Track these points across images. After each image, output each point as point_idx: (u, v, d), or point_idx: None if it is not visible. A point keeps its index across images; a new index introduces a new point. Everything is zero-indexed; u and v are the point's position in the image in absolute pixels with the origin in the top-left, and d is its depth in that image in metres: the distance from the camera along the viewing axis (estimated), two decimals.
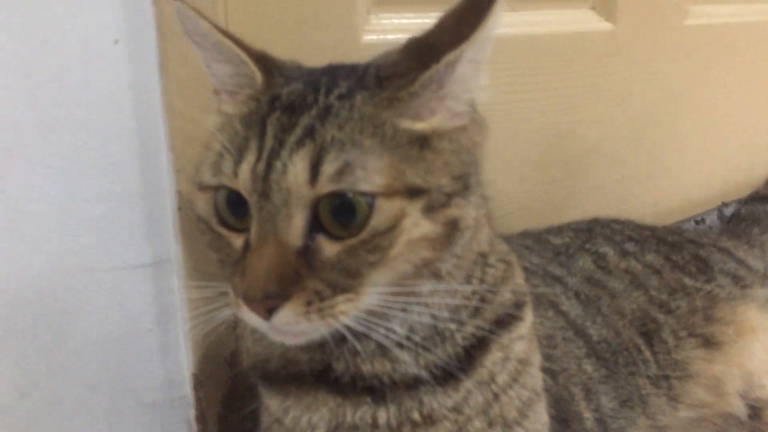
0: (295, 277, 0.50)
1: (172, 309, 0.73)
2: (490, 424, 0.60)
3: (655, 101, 1.44)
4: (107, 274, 0.68)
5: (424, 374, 0.57)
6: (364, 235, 0.51)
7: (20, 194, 0.61)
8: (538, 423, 0.64)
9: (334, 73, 0.57)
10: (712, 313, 0.92)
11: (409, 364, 0.57)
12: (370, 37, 0.95)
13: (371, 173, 0.50)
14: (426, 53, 0.54)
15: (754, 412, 0.90)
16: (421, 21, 0.99)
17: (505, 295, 0.63)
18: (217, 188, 0.54)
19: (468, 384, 0.59)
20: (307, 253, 0.51)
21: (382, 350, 0.56)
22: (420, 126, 0.54)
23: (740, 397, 0.89)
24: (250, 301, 0.50)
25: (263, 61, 0.58)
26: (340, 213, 0.50)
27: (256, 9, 0.80)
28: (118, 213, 0.67)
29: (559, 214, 1.26)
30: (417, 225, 0.51)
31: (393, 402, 0.57)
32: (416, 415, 0.57)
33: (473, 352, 0.59)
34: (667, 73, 1.43)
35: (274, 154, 0.51)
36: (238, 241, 0.53)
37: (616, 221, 1.10)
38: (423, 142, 0.53)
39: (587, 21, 1.26)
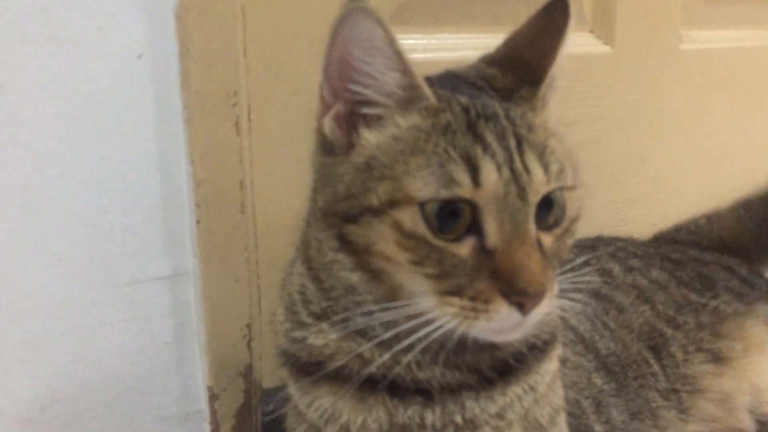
0: (545, 269, 0.53)
1: (188, 322, 0.74)
2: (526, 430, 0.61)
3: (654, 123, 1.47)
4: (128, 287, 0.69)
5: (470, 380, 0.59)
6: (566, 223, 0.58)
7: (48, 206, 0.62)
8: (563, 431, 0.66)
9: (463, 84, 0.61)
10: (719, 329, 0.93)
11: (463, 369, 0.59)
12: None
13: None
14: (521, 67, 0.61)
15: (763, 427, 0.91)
16: (426, 41, 1.04)
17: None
18: (427, 202, 0.52)
19: (518, 388, 0.60)
20: (539, 246, 0.54)
21: (449, 356, 0.57)
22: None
23: (749, 412, 0.90)
24: (531, 297, 0.52)
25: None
26: (545, 207, 0.55)
27: (273, 29, 0.82)
28: (139, 226, 0.68)
29: None
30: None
31: (439, 404, 0.58)
32: (458, 419, 0.58)
33: (531, 356, 0.62)
34: (664, 96, 1.46)
35: (511, 161, 0.53)
36: (462, 249, 0.53)
37: (619, 239, 1.12)
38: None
39: (587, 44, 1.29)
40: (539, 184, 0.54)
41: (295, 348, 0.62)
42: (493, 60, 0.64)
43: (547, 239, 0.56)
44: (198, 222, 0.72)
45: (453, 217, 0.53)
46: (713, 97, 1.60)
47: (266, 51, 0.80)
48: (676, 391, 0.87)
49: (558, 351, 0.66)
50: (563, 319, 0.85)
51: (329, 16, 0.53)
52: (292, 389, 0.63)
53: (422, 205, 0.53)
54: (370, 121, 0.56)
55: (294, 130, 0.67)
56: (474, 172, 0.52)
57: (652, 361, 0.88)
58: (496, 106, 0.57)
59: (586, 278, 0.66)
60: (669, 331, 0.91)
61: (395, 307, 0.55)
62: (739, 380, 0.90)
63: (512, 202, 0.53)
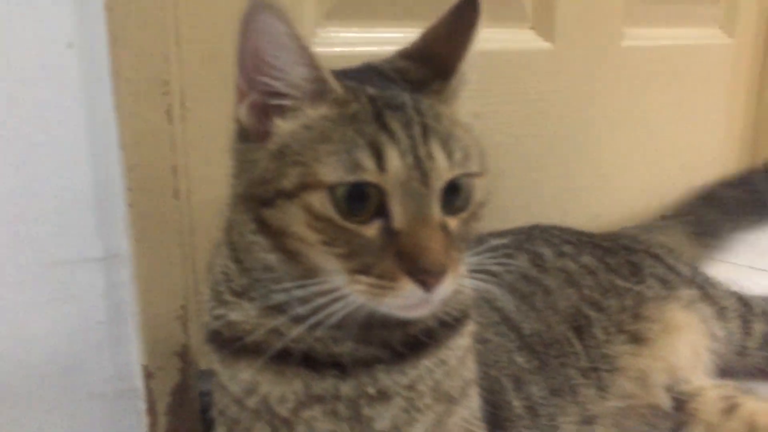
0: (448, 250, 0.57)
1: (123, 302, 0.77)
2: (437, 400, 0.65)
3: (597, 118, 1.52)
4: (60, 267, 0.72)
5: (383, 354, 0.63)
6: (472, 208, 0.62)
7: None
8: (474, 403, 0.71)
9: (378, 76, 0.64)
10: (639, 312, 0.98)
11: (376, 345, 0.63)
12: (318, 50, 1.00)
13: (474, 158, 0.61)
14: (433, 61, 0.65)
15: (679, 404, 0.96)
16: (368, 35, 1.07)
17: (468, 290, 0.69)
18: (336, 186, 0.56)
19: (428, 362, 0.64)
20: (443, 228, 0.58)
21: (362, 332, 0.61)
22: (463, 118, 0.64)
23: (665, 390, 0.95)
24: (433, 275, 0.56)
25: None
26: (452, 192, 0.59)
27: (208, 22, 0.85)
28: (70, 208, 0.71)
29: (503, 223, 1.32)
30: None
31: (353, 377, 0.62)
32: (370, 390, 0.62)
33: (442, 332, 0.66)
34: (606, 92, 1.52)
35: (415, 148, 0.57)
36: (370, 230, 0.57)
37: (555, 227, 1.16)
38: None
39: (527, 41, 1.33)
40: (442, 170, 0.58)
41: (218, 325, 0.65)
42: (409, 54, 0.68)
43: (452, 222, 0.60)
44: (130, 205, 0.75)
45: (361, 200, 0.57)
46: (655, 93, 1.66)
47: (201, 40, 0.83)
48: (596, 369, 0.92)
49: (470, 327, 0.70)
50: (488, 300, 0.89)
51: None
52: (217, 365, 0.67)
53: (332, 189, 0.56)
54: (283, 111, 0.60)
55: (230, 117, 0.70)
56: (379, 157, 0.56)
57: (574, 341, 0.92)
58: (405, 97, 0.61)
59: (499, 261, 0.70)
60: (593, 314, 0.96)
61: (309, 285, 0.58)
62: (656, 360, 0.95)
63: (415, 186, 0.57)
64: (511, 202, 1.37)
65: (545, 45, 1.35)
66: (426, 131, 0.59)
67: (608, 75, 1.51)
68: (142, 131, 0.74)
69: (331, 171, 0.56)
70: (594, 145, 1.52)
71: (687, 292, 1.04)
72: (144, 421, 0.81)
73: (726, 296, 1.08)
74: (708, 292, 1.07)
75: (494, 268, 0.93)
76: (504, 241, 1.05)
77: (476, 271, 0.66)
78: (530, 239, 1.07)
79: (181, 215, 0.79)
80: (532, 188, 1.41)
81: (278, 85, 0.59)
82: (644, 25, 1.59)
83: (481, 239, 1.05)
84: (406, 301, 0.57)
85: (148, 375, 0.80)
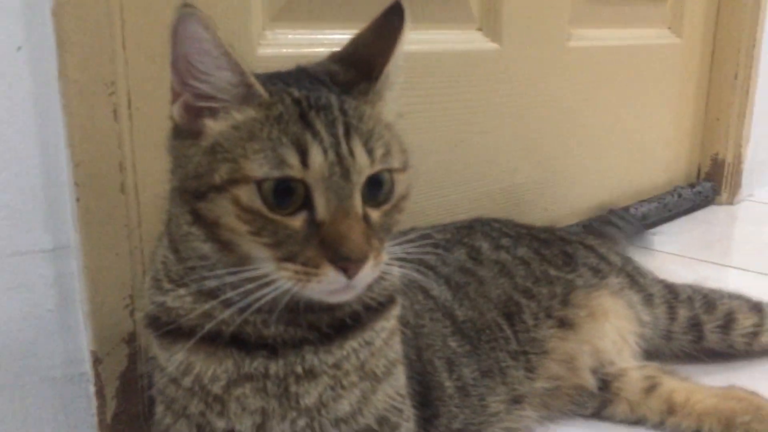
0: (369, 239, 0.62)
1: (72, 292, 0.81)
2: (363, 378, 0.70)
3: (545, 116, 1.58)
4: (10, 258, 0.76)
5: (311, 336, 0.68)
6: (394, 201, 0.67)
7: None
8: (398, 381, 0.76)
9: (308, 79, 0.69)
10: (568, 299, 1.05)
11: (304, 328, 0.68)
12: (265, 51, 1.05)
13: (395, 154, 0.66)
14: (361, 64, 0.69)
15: (604, 384, 1.02)
16: (312, 36, 1.12)
17: (394, 277, 0.74)
18: (263, 181, 0.60)
19: (354, 343, 0.69)
20: (364, 219, 0.63)
21: (290, 315, 0.66)
22: (387, 117, 0.69)
23: (591, 372, 1.02)
24: (353, 262, 0.61)
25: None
26: (374, 186, 0.65)
27: (152, 22, 0.88)
28: (19, 202, 0.75)
29: (452, 216, 1.38)
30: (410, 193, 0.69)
31: (282, 357, 0.67)
32: (298, 369, 0.67)
33: (367, 315, 0.71)
34: (553, 91, 1.58)
35: (337, 145, 0.62)
36: (295, 222, 0.61)
37: (496, 220, 1.22)
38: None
39: (475, 41, 1.39)
40: (362, 166, 0.63)
41: (157, 311, 0.70)
42: (339, 57, 0.73)
43: (375, 214, 0.65)
44: (78, 200, 0.79)
45: (288, 194, 0.62)
46: (603, 92, 1.73)
47: (146, 43, 0.87)
48: (525, 353, 0.98)
49: (395, 311, 0.75)
50: (424, 290, 0.95)
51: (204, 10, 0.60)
52: (155, 348, 0.71)
53: (259, 184, 0.61)
54: (212, 112, 0.64)
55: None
56: (303, 155, 0.61)
57: (505, 327, 0.98)
58: (331, 98, 0.65)
59: (424, 250, 0.76)
60: (524, 301, 1.02)
61: (240, 272, 0.63)
62: (583, 343, 1.01)
63: (337, 181, 0.62)
64: (459, 196, 1.43)
65: (492, 46, 1.41)
66: (349, 130, 0.63)
67: (555, 74, 1.57)
68: (88, 129, 0.78)
69: (258, 167, 0.61)
70: (541, 143, 1.58)
71: (616, 280, 1.11)
72: (93, 403, 0.85)
73: (653, 284, 1.15)
74: (636, 280, 1.13)
75: (431, 260, 0.99)
76: (446, 236, 1.11)
77: (409, 261, 0.71)
78: (471, 233, 1.12)
79: (128, 209, 0.84)
80: (480, 184, 1.47)
81: (206, 88, 0.63)
82: (591, 25, 1.65)
83: (424, 233, 1.12)
84: (330, 287, 0.62)
85: (97, 360, 0.84)
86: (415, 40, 1.29)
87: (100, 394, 0.85)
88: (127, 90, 0.82)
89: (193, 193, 0.64)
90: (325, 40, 1.11)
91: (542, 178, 1.62)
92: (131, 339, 0.86)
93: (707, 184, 2.17)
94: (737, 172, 2.18)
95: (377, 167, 0.64)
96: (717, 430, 0.96)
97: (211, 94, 0.63)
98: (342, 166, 0.62)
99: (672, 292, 1.15)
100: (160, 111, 0.91)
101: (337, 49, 1.08)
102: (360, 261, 0.62)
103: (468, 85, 1.38)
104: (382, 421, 0.72)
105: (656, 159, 2.02)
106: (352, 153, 0.62)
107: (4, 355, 0.78)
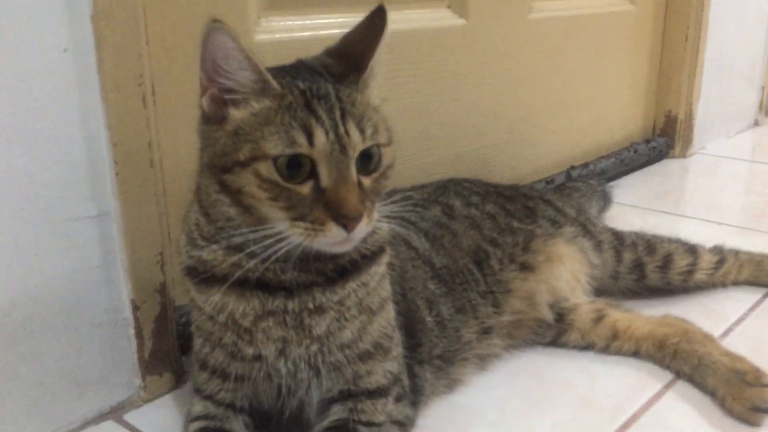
0: (363, 201, 0.77)
1: (113, 251, 0.96)
2: (361, 312, 0.87)
3: (510, 83, 1.73)
4: (64, 224, 0.91)
5: (319, 279, 0.84)
6: (382, 169, 0.81)
7: None
8: (389, 314, 0.92)
9: (308, 71, 0.83)
10: (529, 246, 1.21)
11: (314, 273, 0.84)
12: (261, 37, 1.19)
13: (382, 131, 0.80)
14: (350, 58, 0.83)
15: (560, 317, 1.20)
16: (303, 23, 1.26)
17: (384, 229, 0.90)
18: (278, 157, 0.75)
19: (354, 284, 0.86)
20: (360, 185, 0.78)
21: (302, 264, 0.82)
22: (373, 102, 0.83)
23: (549, 307, 1.19)
24: (347, 218, 0.76)
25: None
26: (366, 159, 0.79)
27: (169, 23, 1.02)
28: (69, 177, 0.90)
29: (428, 177, 1.54)
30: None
31: (297, 296, 0.83)
32: (310, 305, 0.83)
33: (363, 262, 0.87)
34: (518, 60, 1.73)
35: (336, 127, 0.76)
36: (304, 189, 0.76)
37: (468, 180, 1.38)
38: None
39: (444, 18, 1.53)
40: (356, 143, 0.78)
41: (193, 262, 0.86)
42: (332, 52, 0.87)
43: (366, 181, 0.80)
44: (116, 174, 0.94)
45: (298, 167, 0.77)
46: (561, 57, 1.87)
47: (164, 40, 1.01)
48: (492, 292, 1.15)
49: (385, 259, 0.91)
50: (407, 242, 1.12)
51: (207, 15, 0.75)
52: (193, 292, 0.87)
53: (275, 160, 0.76)
54: (235, 103, 0.78)
55: (189, 100, 0.89)
56: (309, 136, 0.76)
57: (475, 271, 1.15)
58: (329, 88, 0.80)
59: (406, 209, 0.92)
60: (491, 249, 1.18)
61: (260, 230, 0.79)
62: (541, 283, 1.18)
63: (337, 156, 0.77)
64: (434, 159, 1.59)
65: (460, 21, 1.55)
66: (344, 114, 0.78)
67: (519, 45, 1.71)
68: (123, 115, 0.92)
69: (274, 146, 0.76)
70: (507, 108, 1.74)
71: (570, 229, 1.27)
72: (133, 343, 1.01)
73: (603, 231, 1.32)
74: (588, 228, 1.30)
75: (412, 217, 1.16)
76: (424, 196, 1.27)
77: (395, 218, 0.87)
78: (445, 192, 1.28)
79: (156, 181, 0.98)
80: (452, 146, 1.63)
81: (230, 84, 0.77)
82: None
83: (405, 194, 1.28)
84: (333, 239, 0.78)
85: (135, 307, 1.00)
86: (392, 19, 1.42)
87: (138, 335, 1.01)
88: (151, 80, 0.96)
89: (220, 168, 0.79)
90: (314, 25, 1.25)
91: (508, 140, 1.78)
92: (163, 289, 1.02)
93: (661, 140, 2.33)
94: (689, 127, 2.35)
95: (368, 143, 0.79)
96: (652, 350, 1.14)
97: (235, 89, 0.78)
98: (340, 144, 0.77)
99: (618, 238, 1.32)
100: (173, 96, 1.06)
101: (324, 32, 1.23)
102: (356, 219, 0.77)
103: (439, 58, 1.53)
104: (376, 345, 0.89)
105: (614, 118, 2.18)
106: (347, 133, 0.78)
107: (60, 305, 0.93)
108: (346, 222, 0.77)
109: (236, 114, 0.79)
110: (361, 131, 0.79)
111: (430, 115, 1.55)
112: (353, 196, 0.77)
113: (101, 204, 0.94)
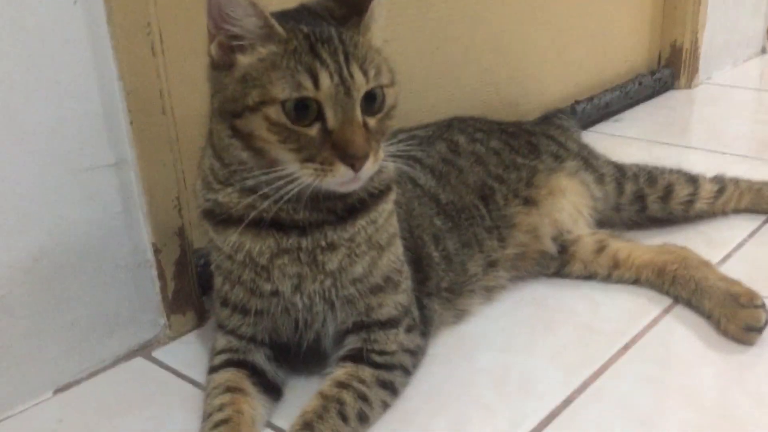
0: (368, 141, 0.80)
1: (132, 197, 1.01)
2: (371, 248, 0.91)
3: (512, 19, 1.73)
4: (86, 172, 0.95)
5: (331, 218, 0.88)
6: (386, 110, 0.84)
7: (20, 117, 0.87)
8: (398, 250, 0.97)
9: (310, 15, 0.85)
10: (532, 181, 1.24)
11: (324, 212, 0.88)
12: None
13: (384, 73, 0.83)
14: (350, 2, 0.85)
15: (563, 248, 1.24)
16: None
17: (390, 167, 0.94)
18: (286, 101, 0.78)
19: (363, 221, 0.90)
20: (366, 126, 0.81)
21: (313, 203, 0.86)
22: (375, 44, 0.85)
23: (551, 239, 1.23)
24: (354, 158, 0.79)
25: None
26: (370, 100, 0.82)
27: None
28: (87, 127, 0.94)
29: (433, 116, 1.56)
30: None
31: (310, 234, 0.87)
32: (323, 243, 0.88)
33: (371, 201, 0.91)
34: None
35: (340, 70, 0.79)
36: (312, 131, 0.79)
37: (472, 118, 1.40)
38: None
39: None
40: (360, 84, 0.80)
41: (210, 205, 0.90)
42: None
43: (371, 121, 0.83)
44: (131, 123, 0.97)
45: (305, 110, 0.80)
46: None
47: None
48: (497, 227, 1.18)
49: (392, 197, 0.94)
50: (413, 180, 1.15)
51: None
52: (212, 234, 0.92)
53: (283, 104, 0.79)
54: (242, 49, 0.81)
55: (197, 47, 0.91)
56: (314, 79, 0.79)
57: (480, 207, 1.18)
58: (332, 31, 0.82)
59: (411, 147, 0.95)
60: (496, 185, 1.21)
61: (272, 172, 0.83)
62: (543, 216, 1.22)
63: (342, 98, 0.80)
64: (438, 98, 1.61)
65: None
66: (348, 57, 0.81)
67: None
68: (134, 64, 0.95)
69: (281, 91, 0.79)
70: (508, 44, 1.74)
71: (572, 164, 1.29)
72: (156, 284, 1.07)
73: (605, 165, 1.35)
74: (590, 162, 1.33)
75: (417, 154, 1.19)
76: (429, 132, 1.30)
77: (400, 156, 0.90)
78: (449, 130, 1.31)
79: (168, 128, 1.02)
80: (455, 85, 1.64)
81: (237, 30, 0.80)
82: None
83: (410, 132, 1.30)
84: (341, 179, 0.81)
85: (157, 250, 1.05)
86: None
87: (161, 276, 1.07)
88: (159, 29, 0.98)
89: (231, 113, 0.83)
90: None
91: (511, 76, 1.79)
92: (181, 232, 1.07)
93: (666, 71, 2.32)
94: (695, 57, 2.33)
95: (371, 84, 0.82)
96: (652, 278, 1.19)
97: (241, 35, 0.80)
98: (345, 86, 0.80)
99: (620, 170, 1.34)
100: (183, 43, 1.09)
101: None
102: (363, 158, 0.81)
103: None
104: (386, 279, 0.94)
105: (618, 50, 2.17)
106: (351, 75, 0.80)
107: (88, 248, 0.98)
108: (354, 161, 0.80)
109: (243, 60, 0.81)
110: (365, 73, 0.81)
111: (432, 54, 1.56)
112: (359, 137, 0.80)
113: (119, 152, 0.98)
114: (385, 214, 0.93)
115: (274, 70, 0.80)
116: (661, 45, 2.34)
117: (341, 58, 0.80)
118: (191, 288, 1.11)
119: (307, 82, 0.79)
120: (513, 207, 1.21)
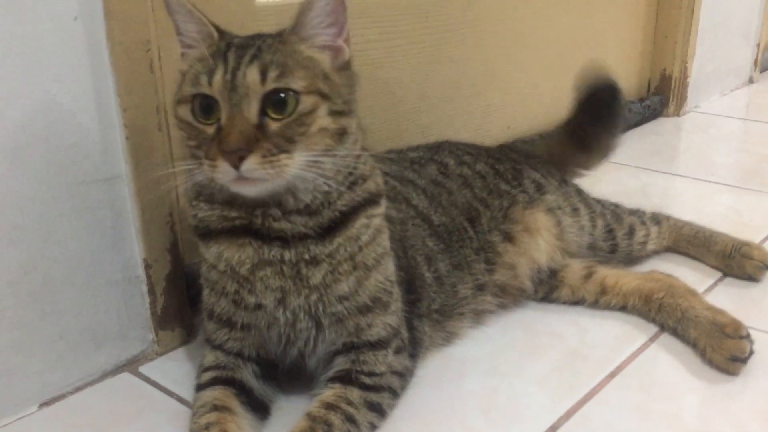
0: (255, 140, 0.79)
1: (126, 212, 1.01)
2: (355, 267, 0.91)
3: (506, 43, 1.75)
4: (78, 186, 0.95)
5: (310, 232, 0.88)
6: (295, 115, 0.81)
7: (12, 129, 0.88)
8: (387, 270, 0.96)
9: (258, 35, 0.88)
10: (508, 213, 1.23)
11: (300, 225, 0.88)
12: (262, 1, 1.22)
13: (297, 78, 0.81)
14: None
15: (551, 273, 1.23)
16: None
17: (371, 185, 0.94)
18: (194, 97, 0.81)
19: (340, 239, 0.90)
20: (261, 127, 0.80)
21: (286, 215, 0.87)
22: (311, 53, 0.85)
23: (529, 279, 1.22)
24: (226, 152, 0.78)
25: (215, 26, 0.87)
26: (278, 103, 0.81)
27: None
28: (83, 141, 0.94)
29: (425, 137, 1.57)
30: (324, 117, 0.83)
31: (293, 247, 0.88)
32: (306, 256, 0.88)
33: (347, 217, 0.91)
34: (514, 19, 1.75)
35: (236, 69, 0.81)
36: (211, 128, 0.82)
37: (461, 142, 1.41)
38: (324, 73, 0.85)
39: None
40: (252, 82, 0.80)
41: (196, 222, 0.92)
42: None
43: (274, 124, 0.81)
44: (127, 138, 0.98)
45: (210, 109, 0.82)
46: (558, 18, 1.89)
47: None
48: (484, 249, 1.18)
49: (376, 212, 0.94)
50: (407, 200, 1.16)
51: None
52: (201, 248, 0.93)
53: (192, 102, 0.83)
54: (190, 48, 0.86)
55: None
56: (210, 77, 0.81)
57: (468, 229, 1.19)
58: (257, 41, 0.85)
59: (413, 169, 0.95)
60: (481, 208, 1.21)
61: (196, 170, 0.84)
62: (520, 255, 1.21)
63: (229, 94, 0.81)
64: (431, 118, 1.62)
65: None
66: (253, 58, 0.82)
67: (515, 4, 1.73)
68: (132, 81, 0.96)
69: (188, 88, 0.84)
70: (502, 68, 1.77)
71: (552, 197, 1.29)
72: (146, 299, 1.07)
73: (579, 201, 1.32)
74: (569, 198, 1.31)
75: (410, 175, 1.20)
76: (419, 153, 1.31)
77: (395, 177, 0.90)
78: (439, 151, 1.32)
79: (164, 144, 1.02)
80: (449, 106, 1.66)
81: (183, 35, 0.87)
82: None
83: (401, 152, 1.32)
84: (225, 176, 0.81)
85: (148, 266, 1.05)
86: None
87: (151, 291, 1.07)
88: (158, 47, 0.99)
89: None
90: None
91: (504, 100, 1.81)
92: (173, 249, 1.07)
93: (656, 98, 2.36)
94: (683, 85, 2.37)
95: (272, 85, 0.80)
96: (639, 305, 1.20)
97: (186, 40, 0.87)
98: (233, 84, 0.81)
99: (588, 206, 1.33)
100: (177, 61, 1.09)
101: None
102: (234, 152, 0.78)
103: (437, 19, 1.55)
104: (375, 300, 0.94)
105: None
106: (244, 75, 0.81)
107: (78, 263, 0.98)
108: (228, 156, 0.79)
109: (190, 55, 0.87)
110: (262, 73, 0.81)
111: (427, 76, 1.58)
112: (235, 131, 0.80)
113: (113, 167, 0.98)
114: (370, 231, 0.93)
115: (197, 68, 0.84)
116: (651, 73, 2.37)
117: (246, 60, 0.82)
118: (181, 304, 1.11)
119: (203, 79, 0.82)
120: (494, 236, 1.21)
